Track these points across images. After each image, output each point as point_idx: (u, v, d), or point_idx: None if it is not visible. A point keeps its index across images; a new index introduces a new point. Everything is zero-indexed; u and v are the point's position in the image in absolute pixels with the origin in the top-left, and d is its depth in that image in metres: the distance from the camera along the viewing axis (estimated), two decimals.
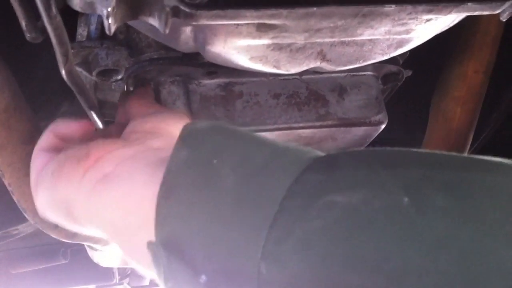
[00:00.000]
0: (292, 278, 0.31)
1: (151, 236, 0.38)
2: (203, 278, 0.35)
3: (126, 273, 1.86)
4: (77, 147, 0.49)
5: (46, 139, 0.56)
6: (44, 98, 0.91)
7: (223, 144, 0.39)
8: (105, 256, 1.13)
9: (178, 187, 0.37)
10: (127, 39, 0.67)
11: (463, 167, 0.32)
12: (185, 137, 0.40)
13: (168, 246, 0.37)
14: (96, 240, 0.96)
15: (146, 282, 2.02)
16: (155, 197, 0.38)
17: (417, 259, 0.28)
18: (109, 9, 0.43)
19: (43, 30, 0.52)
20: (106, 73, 0.67)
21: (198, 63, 0.65)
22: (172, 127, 0.52)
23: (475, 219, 0.29)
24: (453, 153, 0.34)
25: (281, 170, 0.35)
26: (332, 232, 0.31)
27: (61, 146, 0.53)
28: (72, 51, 0.62)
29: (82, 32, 0.68)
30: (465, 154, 0.33)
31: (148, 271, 0.43)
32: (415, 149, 0.35)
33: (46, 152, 0.54)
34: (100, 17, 0.66)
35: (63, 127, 0.56)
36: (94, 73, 0.65)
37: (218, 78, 0.67)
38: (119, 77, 0.67)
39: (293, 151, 0.37)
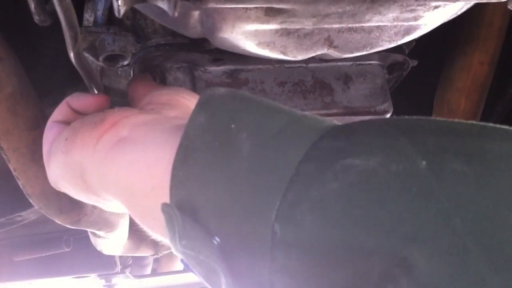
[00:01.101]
0: (306, 239, 0.31)
1: (165, 198, 0.39)
2: (217, 240, 0.36)
3: (127, 263, 1.86)
4: (93, 114, 0.49)
5: (61, 110, 0.56)
6: (50, 85, 0.91)
7: (240, 109, 0.38)
8: (108, 244, 1.14)
9: (195, 150, 0.38)
10: (133, 25, 0.67)
11: (481, 135, 0.32)
12: (203, 102, 0.40)
13: (183, 208, 0.37)
14: (100, 227, 0.97)
15: (148, 272, 2.02)
16: (171, 160, 0.38)
17: (432, 221, 0.28)
18: None
19: (52, 13, 0.52)
20: (112, 59, 0.67)
21: (205, 49, 0.65)
22: (187, 101, 0.52)
23: (492, 186, 0.29)
24: (472, 121, 0.34)
25: (298, 136, 0.35)
26: (349, 194, 0.31)
27: (76, 119, 0.53)
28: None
29: (88, 17, 0.68)
30: (482, 123, 0.33)
31: (160, 235, 0.43)
32: (433, 117, 0.35)
33: (60, 123, 0.54)
34: (107, 3, 0.66)
35: (79, 99, 0.56)
36: (100, 59, 0.66)
37: (224, 65, 0.67)
38: (126, 62, 0.67)
39: (310, 118, 0.37)
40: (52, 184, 0.53)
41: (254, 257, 0.34)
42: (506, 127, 0.32)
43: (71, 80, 0.91)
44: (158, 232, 0.43)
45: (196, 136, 0.38)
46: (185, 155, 0.38)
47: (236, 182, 0.35)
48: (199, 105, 0.40)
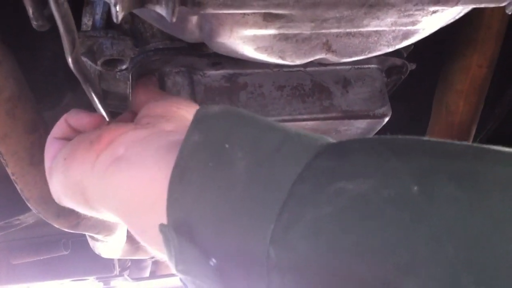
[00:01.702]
0: (300, 264, 0.31)
1: (162, 218, 0.39)
2: (213, 261, 0.36)
3: (126, 265, 1.86)
4: (90, 132, 0.50)
5: (60, 127, 0.57)
6: (48, 88, 0.91)
7: (235, 128, 0.39)
8: (107, 247, 1.14)
9: (190, 170, 0.38)
10: (132, 29, 0.67)
11: (474, 157, 0.32)
12: (198, 121, 0.40)
13: (179, 229, 0.37)
14: (98, 231, 0.97)
15: (146, 274, 2.02)
16: (167, 179, 0.39)
17: (425, 248, 0.28)
18: None
19: (50, 18, 0.52)
20: (111, 63, 0.67)
21: (203, 53, 0.65)
22: (183, 111, 0.52)
23: (485, 210, 0.29)
24: (464, 143, 0.33)
25: (292, 156, 0.35)
26: (341, 219, 0.31)
27: (74, 136, 0.53)
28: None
29: (87, 22, 0.68)
30: (476, 144, 0.33)
31: (159, 253, 0.43)
32: (426, 138, 0.34)
33: (60, 140, 0.55)
34: (105, 6, 0.66)
35: (76, 117, 0.56)
36: (99, 63, 0.65)
37: (223, 69, 0.67)
38: (124, 67, 0.67)
39: (304, 137, 0.37)
40: (56, 201, 0.54)
41: (250, 279, 0.34)
42: (501, 148, 0.32)
43: (69, 83, 0.90)
44: (156, 249, 0.43)
45: (191, 155, 0.38)
46: (180, 175, 0.38)
47: (231, 204, 0.35)
48: (193, 124, 0.40)
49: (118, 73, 0.69)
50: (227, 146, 0.37)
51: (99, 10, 0.67)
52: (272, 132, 0.38)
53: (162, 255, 0.41)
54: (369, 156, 0.33)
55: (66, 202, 0.52)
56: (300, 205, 0.33)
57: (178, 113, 0.52)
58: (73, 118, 0.57)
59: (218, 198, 0.36)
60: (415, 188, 0.30)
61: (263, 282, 0.33)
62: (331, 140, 0.38)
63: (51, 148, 0.55)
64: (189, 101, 0.56)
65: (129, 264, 1.88)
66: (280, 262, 0.32)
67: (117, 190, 0.44)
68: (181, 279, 0.40)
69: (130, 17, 0.66)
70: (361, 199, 0.31)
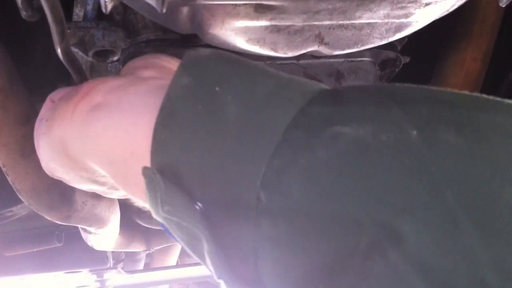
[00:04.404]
0: (293, 208, 0.31)
1: (145, 163, 0.38)
2: (199, 205, 0.35)
3: (120, 258, 1.86)
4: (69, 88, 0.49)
5: (46, 107, 0.56)
6: (40, 80, 0.90)
7: (227, 72, 0.37)
8: (99, 239, 1.13)
9: (178, 114, 0.36)
10: (124, 20, 0.66)
11: (475, 106, 0.31)
12: (187, 64, 0.39)
13: (164, 172, 0.36)
14: (90, 223, 0.96)
15: (141, 267, 2.02)
16: (149, 123, 0.38)
17: (424, 193, 0.28)
18: None
19: (39, 9, 0.51)
20: (102, 54, 0.66)
21: (195, 45, 0.64)
22: (164, 62, 0.51)
23: (485, 159, 0.28)
24: (465, 92, 0.33)
25: (285, 101, 0.34)
26: (338, 163, 0.30)
27: None
28: (68, 31, 0.62)
29: (78, 12, 0.67)
30: (477, 93, 0.32)
31: (142, 201, 0.42)
32: (426, 86, 0.34)
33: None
34: None
35: (60, 92, 0.55)
36: (90, 54, 0.65)
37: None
38: (115, 58, 0.66)
39: (298, 82, 0.37)
40: (48, 172, 0.53)
41: (238, 225, 0.34)
42: (500, 99, 0.32)
43: (62, 75, 0.90)
44: (140, 198, 0.42)
45: (179, 98, 0.37)
46: (167, 118, 0.37)
47: (221, 147, 0.34)
48: (182, 67, 0.39)
49: (110, 64, 0.69)
50: (217, 89, 0.36)
51: (90, 1, 0.67)
52: (265, 77, 0.37)
53: (145, 203, 0.40)
54: (366, 102, 0.33)
55: (54, 168, 0.50)
56: (293, 149, 0.32)
57: (158, 62, 0.50)
58: (58, 94, 0.56)
59: (207, 141, 0.35)
60: (415, 133, 0.30)
61: (250, 225, 0.33)
62: (324, 86, 0.37)
63: (39, 128, 0.54)
64: (173, 57, 0.54)
65: (123, 256, 1.88)
66: (271, 206, 0.32)
67: (97, 138, 0.42)
68: (162, 225, 0.38)
69: (122, 8, 0.66)
70: (358, 143, 0.30)
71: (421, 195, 0.28)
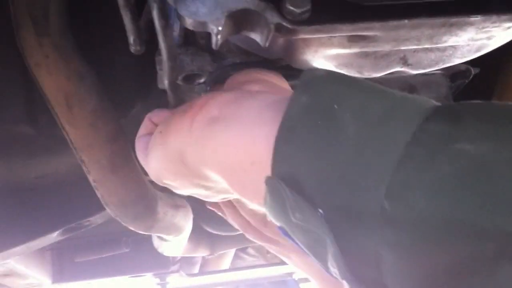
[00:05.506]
0: (418, 217, 0.33)
1: (263, 173, 0.40)
2: (320, 212, 0.37)
3: (175, 261, 1.91)
4: (179, 107, 0.52)
5: (145, 126, 0.61)
6: (119, 98, 0.95)
7: (343, 91, 0.39)
8: (171, 246, 1.18)
9: (299, 129, 0.39)
10: (208, 45, 0.70)
11: None
12: (306, 83, 0.41)
13: (286, 181, 0.39)
14: (170, 232, 1.01)
15: (196, 270, 2.07)
16: (269, 136, 0.40)
17: None
18: (220, 28, 0.46)
19: (146, 43, 0.56)
20: (190, 78, 0.70)
21: (278, 66, 0.68)
22: (266, 77, 0.55)
23: None
24: None
25: (402, 119, 0.36)
26: (462, 178, 0.32)
27: None
28: (158, 57, 0.66)
29: None
30: None
31: (258, 205, 0.45)
32: None
33: (147, 136, 0.59)
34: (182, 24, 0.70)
35: (160, 114, 0.60)
36: (179, 78, 0.69)
37: (296, 80, 0.70)
38: (202, 80, 0.71)
39: (412, 100, 0.38)
40: (156, 180, 0.56)
41: (360, 231, 0.36)
42: None
43: (139, 93, 0.95)
44: (257, 203, 0.45)
45: (299, 115, 0.39)
46: (288, 132, 0.39)
47: (342, 160, 0.37)
48: (301, 86, 0.41)
49: (197, 86, 0.73)
50: (336, 107, 0.38)
51: (176, 27, 0.71)
52: (380, 96, 0.39)
53: (262, 207, 0.43)
54: (483, 120, 0.35)
55: (165, 176, 0.54)
56: (417, 165, 0.34)
57: (262, 78, 0.54)
58: (156, 116, 0.60)
59: (327, 157, 0.37)
60: None
61: (375, 231, 0.35)
62: (437, 103, 0.38)
63: (140, 144, 0.59)
64: (270, 70, 0.58)
65: (178, 259, 1.93)
66: (396, 215, 0.34)
67: (218, 149, 0.46)
68: (280, 228, 0.41)
69: (206, 33, 0.70)
70: (481, 159, 0.32)
71: None
